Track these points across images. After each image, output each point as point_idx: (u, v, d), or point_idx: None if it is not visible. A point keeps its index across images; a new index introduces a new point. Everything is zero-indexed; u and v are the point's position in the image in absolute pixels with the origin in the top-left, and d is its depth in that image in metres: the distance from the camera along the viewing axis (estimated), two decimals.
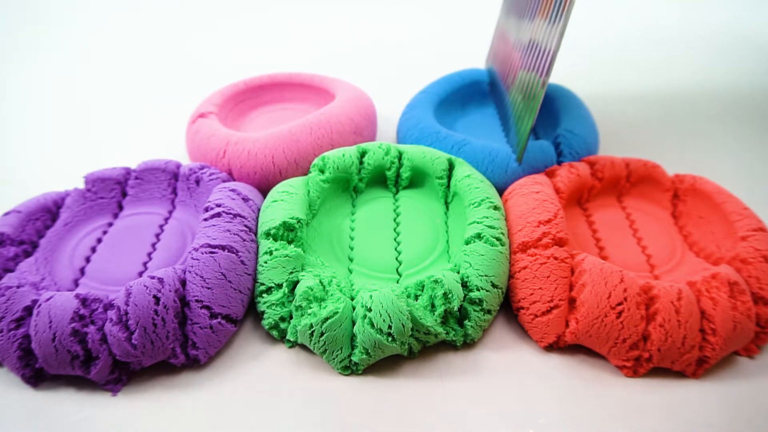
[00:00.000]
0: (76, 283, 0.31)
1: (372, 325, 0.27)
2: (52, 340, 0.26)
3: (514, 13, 0.44)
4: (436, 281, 0.28)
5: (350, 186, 0.36)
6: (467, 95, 0.48)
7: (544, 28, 0.34)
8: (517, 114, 0.38)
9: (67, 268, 0.32)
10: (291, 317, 0.29)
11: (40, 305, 0.26)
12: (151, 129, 0.49)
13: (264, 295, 0.30)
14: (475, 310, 0.29)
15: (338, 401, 0.27)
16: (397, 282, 0.31)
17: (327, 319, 0.27)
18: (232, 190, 0.33)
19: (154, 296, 0.27)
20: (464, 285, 0.29)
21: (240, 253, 0.29)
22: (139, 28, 0.70)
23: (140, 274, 0.31)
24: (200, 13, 0.74)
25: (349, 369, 0.28)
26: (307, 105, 0.48)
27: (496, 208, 0.32)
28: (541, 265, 0.29)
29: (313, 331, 0.27)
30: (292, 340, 0.29)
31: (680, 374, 0.28)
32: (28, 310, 0.27)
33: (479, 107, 0.48)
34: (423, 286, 0.29)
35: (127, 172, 0.37)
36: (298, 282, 0.29)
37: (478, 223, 0.31)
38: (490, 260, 0.29)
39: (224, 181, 0.36)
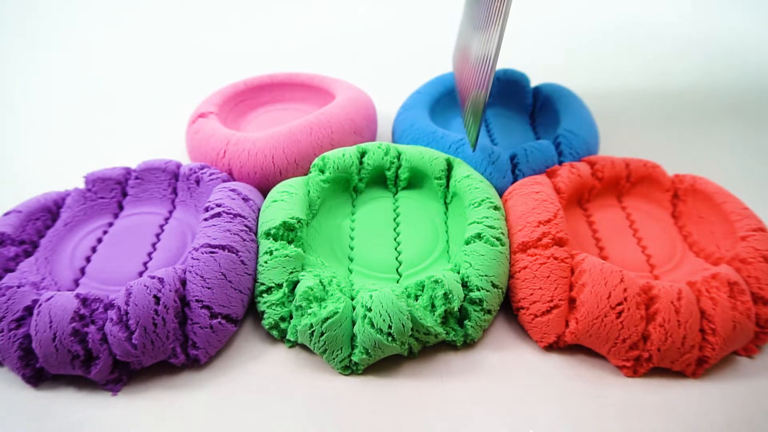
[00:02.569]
0: (76, 283, 0.31)
1: (372, 325, 0.27)
2: (52, 339, 0.26)
3: (472, 23, 0.39)
4: (436, 281, 0.28)
5: (350, 186, 0.36)
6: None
7: (487, 36, 0.32)
8: (467, 123, 0.36)
9: (67, 268, 0.32)
10: (291, 317, 0.29)
11: (40, 305, 0.26)
12: (151, 129, 0.49)
13: (264, 295, 0.30)
14: (475, 310, 0.29)
15: (338, 401, 0.27)
16: (397, 282, 0.31)
17: (327, 319, 0.27)
18: (232, 190, 0.33)
19: (155, 296, 0.27)
20: (464, 285, 0.29)
21: (240, 253, 0.29)
22: (140, 28, 0.70)
23: (140, 274, 0.31)
24: (200, 13, 0.74)
25: (349, 369, 0.28)
26: (307, 105, 0.48)
27: (496, 208, 0.32)
28: (541, 265, 0.29)
29: (313, 331, 0.27)
30: (292, 340, 0.29)
31: (680, 374, 0.28)
32: (29, 310, 0.27)
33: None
34: (423, 287, 0.29)
35: (127, 172, 0.37)
36: (298, 282, 0.29)
37: (478, 223, 0.31)
38: (490, 260, 0.30)
39: (224, 181, 0.36)
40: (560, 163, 0.38)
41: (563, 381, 0.28)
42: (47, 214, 0.34)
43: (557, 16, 0.74)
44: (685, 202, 0.36)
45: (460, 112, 0.46)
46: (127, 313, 0.26)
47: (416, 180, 0.37)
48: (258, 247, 0.31)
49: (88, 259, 0.32)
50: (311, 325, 0.27)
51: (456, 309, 0.28)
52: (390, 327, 0.27)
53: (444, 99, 0.46)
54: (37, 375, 0.27)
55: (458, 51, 0.45)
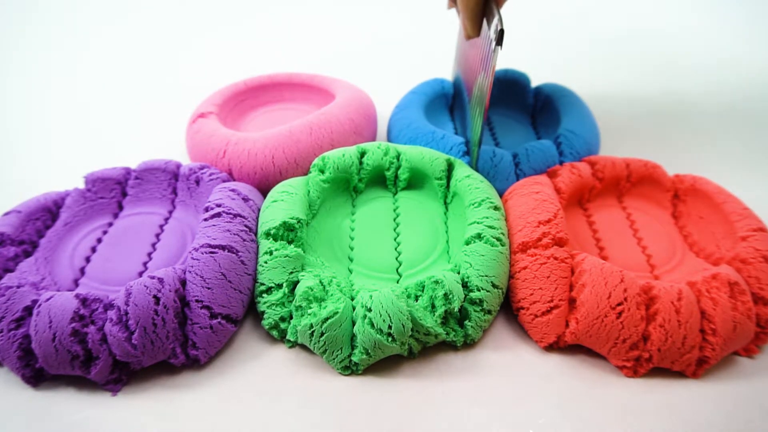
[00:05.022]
0: (76, 283, 0.31)
1: (372, 326, 0.27)
2: (52, 340, 0.26)
3: None
4: (436, 282, 0.28)
5: (350, 186, 0.36)
6: (455, 98, 0.47)
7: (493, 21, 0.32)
8: (473, 123, 0.36)
9: (67, 268, 0.32)
10: (291, 317, 0.29)
11: (40, 305, 0.26)
12: (151, 129, 0.49)
13: (264, 295, 0.30)
14: (475, 311, 0.29)
15: (338, 401, 0.27)
16: (397, 282, 0.31)
17: (327, 319, 0.27)
18: (232, 190, 0.33)
19: (154, 296, 0.27)
20: (464, 285, 0.29)
21: (240, 253, 0.29)
22: (140, 29, 0.70)
23: (140, 274, 0.31)
24: (200, 14, 0.74)
25: (349, 369, 0.28)
26: (307, 105, 0.48)
27: (496, 208, 0.32)
28: (541, 266, 0.29)
29: (313, 331, 0.27)
30: (292, 340, 0.29)
31: (680, 374, 0.28)
32: (28, 310, 0.27)
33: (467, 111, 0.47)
34: (423, 287, 0.28)
35: (127, 172, 0.37)
36: (298, 282, 0.29)
37: (478, 223, 0.31)
38: (490, 260, 0.29)
39: (224, 181, 0.36)
40: (561, 162, 0.38)
41: (563, 381, 0.28)
42: (47, 214, 0.34)
43: (558, 17, 0.74)
44: (686, 202, 0.36)
45: (452, 115, 0.46)
46: (126, 313, 0.26)
47: (416, 180, 0.37)
48: (258, 247, 0.31)
49: (87, 259, 0.32)
50: (311, 326, 0.27)
51: (456, 309, 0.28)
52: (390, 327, 0.27)
53: (439, 100, 0.46)
54: (37, 375, 0.27)
55: (460, 44, 0.45)
